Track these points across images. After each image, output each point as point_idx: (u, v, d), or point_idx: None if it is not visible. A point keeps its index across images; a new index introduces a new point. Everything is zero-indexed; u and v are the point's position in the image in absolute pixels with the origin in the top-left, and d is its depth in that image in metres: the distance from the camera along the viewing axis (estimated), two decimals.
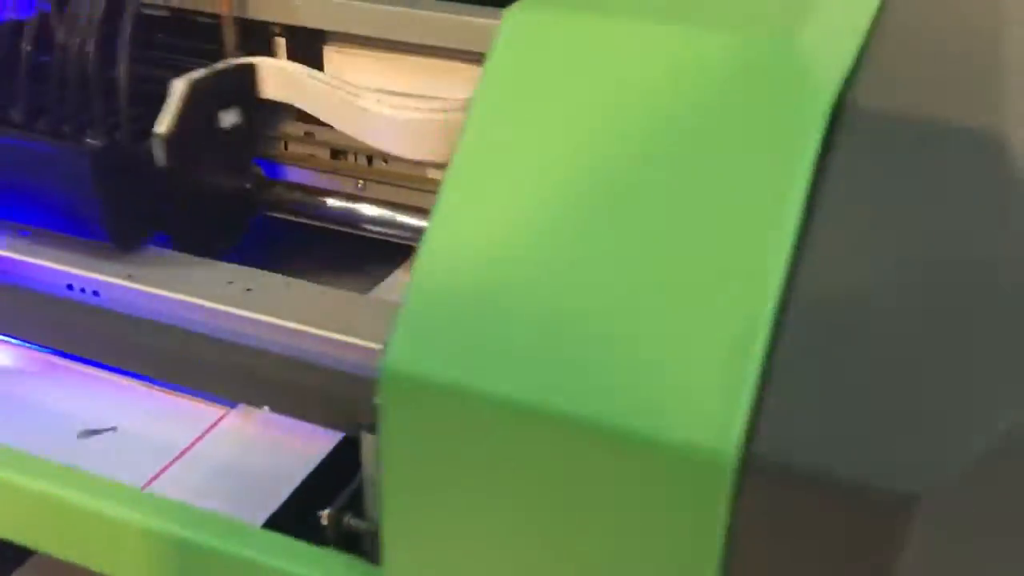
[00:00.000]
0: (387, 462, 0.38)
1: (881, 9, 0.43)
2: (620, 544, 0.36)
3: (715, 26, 0.37)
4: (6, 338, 0.59)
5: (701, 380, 0.34)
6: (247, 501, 0.49)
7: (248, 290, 0.55)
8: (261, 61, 0.61)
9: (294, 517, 0.49)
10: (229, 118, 0.61)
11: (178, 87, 0.57)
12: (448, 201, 0.37)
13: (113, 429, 0.53)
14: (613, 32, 0.38)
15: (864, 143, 0.34)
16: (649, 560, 0.35)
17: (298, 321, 0.53)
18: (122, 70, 0.56)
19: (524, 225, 0.36)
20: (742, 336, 0.33)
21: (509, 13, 0.39)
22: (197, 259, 0.58)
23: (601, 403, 0.34)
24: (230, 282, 0.56)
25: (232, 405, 0.55)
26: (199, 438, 0.53)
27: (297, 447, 0.52)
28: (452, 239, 0.37)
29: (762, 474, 0.33)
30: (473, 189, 0.38)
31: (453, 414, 0.36)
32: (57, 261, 0.56)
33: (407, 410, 0.37)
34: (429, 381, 0.36)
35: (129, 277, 0.56)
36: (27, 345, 0.58)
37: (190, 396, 0.55)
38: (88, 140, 0.55)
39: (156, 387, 0.56)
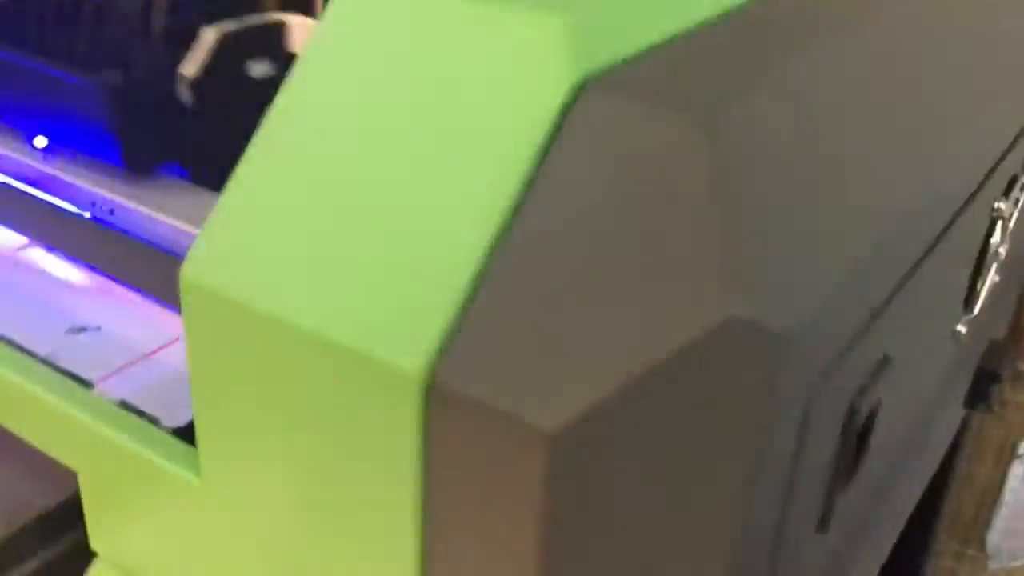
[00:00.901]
0: (190, 360, 0.42)
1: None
2: (345, 461, 0.38)
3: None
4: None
5: (411, 301, 0.35)
6: (177, 408, 0.54)
7: None
8: (292, 18, 0.66)
9: None
10: (260, 68, 0.66)
11: (208, 36, 0.63)
12: (272, 126, 0.41)
13: (98, 328, 0.60)
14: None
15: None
16: (364, 479, 0.37)
17: None
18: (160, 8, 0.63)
19: (319, 166, 0.39)
20: (455, 263, 0.35)
21: None
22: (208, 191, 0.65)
23: (327, 318, 0.36)
24: None
25: None
26: (162, 347, 0.58)
27: None
28: (264, 164, 0.40)
29: (442, 399, 0.34)
30: (294, 122, 0.41)
31: (232, 324, 0.39)
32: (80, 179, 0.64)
33: (199, 318, 0.40)
34: (216, 294, 0.39)
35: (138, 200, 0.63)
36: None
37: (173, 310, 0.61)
38: (107, 72, 0.62)
39: (145, 296, 0.62)
